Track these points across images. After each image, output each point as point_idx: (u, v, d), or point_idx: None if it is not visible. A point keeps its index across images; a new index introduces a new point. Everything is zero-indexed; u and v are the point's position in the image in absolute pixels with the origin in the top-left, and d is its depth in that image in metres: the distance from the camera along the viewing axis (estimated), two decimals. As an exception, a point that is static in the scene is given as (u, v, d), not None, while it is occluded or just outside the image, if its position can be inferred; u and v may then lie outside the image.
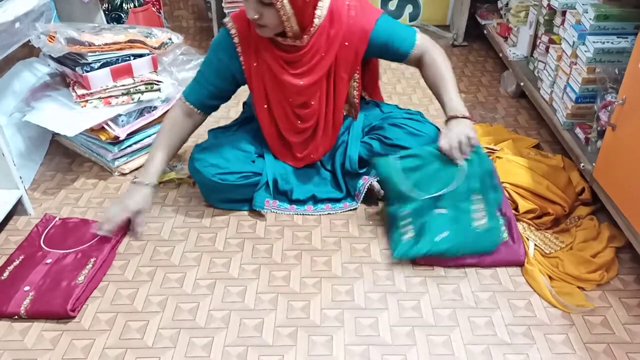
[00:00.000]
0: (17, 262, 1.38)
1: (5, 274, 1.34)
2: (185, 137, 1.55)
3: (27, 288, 1.29)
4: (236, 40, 1.43)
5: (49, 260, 1.37)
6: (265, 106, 1.51)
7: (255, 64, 1.44)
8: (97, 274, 1.35)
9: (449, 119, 1.40)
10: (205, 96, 1.50)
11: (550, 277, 1.34)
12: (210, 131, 1.67)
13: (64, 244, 1.44)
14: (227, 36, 1.44)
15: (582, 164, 1.57)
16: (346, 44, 1.41)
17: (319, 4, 1.36)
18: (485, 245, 1.38)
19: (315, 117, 1.52)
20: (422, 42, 1.47)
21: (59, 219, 1.54)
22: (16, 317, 1.25)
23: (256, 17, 1.29)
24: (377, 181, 1.57)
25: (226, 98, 1.55)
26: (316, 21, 1.37)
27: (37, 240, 1.46)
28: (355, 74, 1.51)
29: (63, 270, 1.34)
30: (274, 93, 1.48)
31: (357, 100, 1.57)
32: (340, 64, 1.44)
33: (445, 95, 1.43)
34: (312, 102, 1.48)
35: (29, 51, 1.98)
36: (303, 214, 1.58)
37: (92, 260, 1.37)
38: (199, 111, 1.52)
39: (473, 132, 1.38)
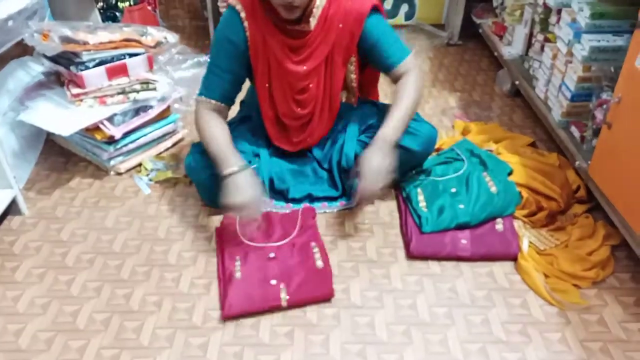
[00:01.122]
0: (238, 262, 1.36)
1: (238, 274, 1.32)
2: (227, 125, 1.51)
3: (273, 282, 1.30)
4: (243, 15, 1.43)
5: (272, 255, 1.37)
6: (267, 85, 1.51)
7: (261, 45, 1.44)
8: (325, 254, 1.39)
9: (376, 141, 1.39)
10: (226, 86, 1.49)
11: (545, 275, 1.34)
12: (207, 130, 1.66)
13: (270, 238, 1.43)
14: (233, 13, 1.44)
15: (577, 162, 1.57)
16: (340, 26, 1.44)
17: None
18: (504, 205, 1.48)
19: (312, 103, 1.53)
20: (411, 61, 1.48)
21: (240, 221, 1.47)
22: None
23: None
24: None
25: (241, 85, 1.55)
26: (318, 2, 1.40)
27: (238, 238, 1.43)
28: (352, 58, 1.52)
29: (295, 260, 1.36)
30: (277, 80, 1.49)
31: (356, 85, 1.58)
32: (335, 47, 1.46)
33: (389, 117, 1.41)
34: (311, 86, 1.50)
35: (22, 50, 1.97)
36: (299, 213, 1.58)
37: (313, 244, 1.40)
38: (224, 105, 1.51)
39: (389, 161, 1.36)
